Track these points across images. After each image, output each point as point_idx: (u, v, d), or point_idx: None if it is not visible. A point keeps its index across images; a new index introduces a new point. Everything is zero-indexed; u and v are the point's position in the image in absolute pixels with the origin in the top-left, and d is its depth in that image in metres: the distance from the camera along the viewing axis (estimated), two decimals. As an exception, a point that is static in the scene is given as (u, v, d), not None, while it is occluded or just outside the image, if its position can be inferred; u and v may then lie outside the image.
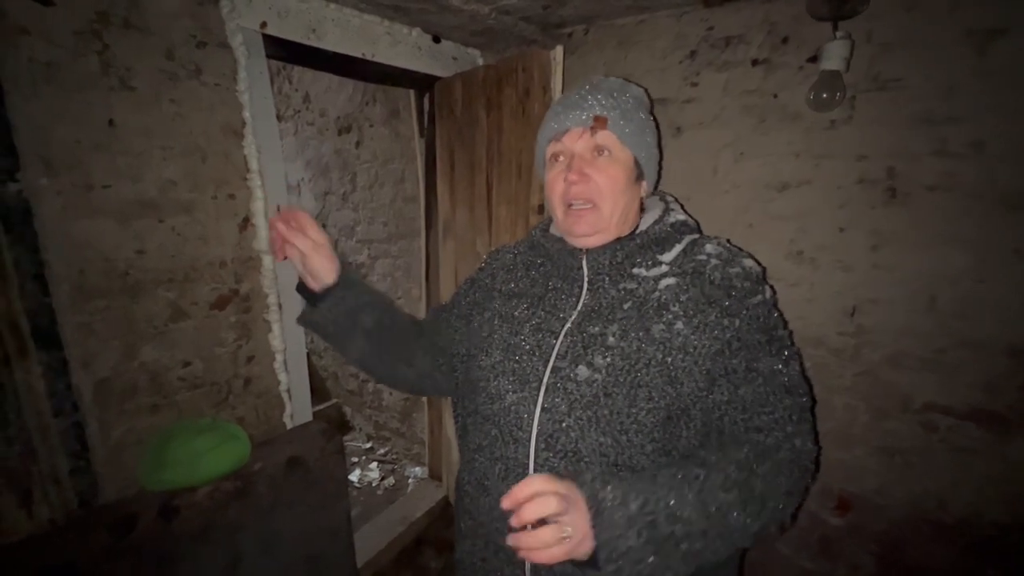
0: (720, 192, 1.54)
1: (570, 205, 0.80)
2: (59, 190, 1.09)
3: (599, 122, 0.78)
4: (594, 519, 0.58)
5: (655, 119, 0.88)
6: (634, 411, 0.70)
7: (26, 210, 1.04)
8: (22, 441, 1.07)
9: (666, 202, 0.87)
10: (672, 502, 0.61)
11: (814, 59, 1.32)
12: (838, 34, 1.21)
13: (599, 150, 0.79)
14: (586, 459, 0.71)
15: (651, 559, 0.59)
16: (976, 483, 1.25)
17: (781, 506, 0.67)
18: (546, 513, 0.55)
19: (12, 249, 1.02)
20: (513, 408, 0.76)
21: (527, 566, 0.76)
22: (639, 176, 0.83)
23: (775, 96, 1.41)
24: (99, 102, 1.13)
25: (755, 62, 1.43)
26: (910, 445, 1.33)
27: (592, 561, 0.59)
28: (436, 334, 0.97)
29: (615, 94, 0.81)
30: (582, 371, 0.73)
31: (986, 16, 1.13)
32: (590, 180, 0.78)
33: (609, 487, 0.59)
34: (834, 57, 1.21)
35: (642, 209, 0.87)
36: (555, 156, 0.82)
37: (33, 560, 1.00)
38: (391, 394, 2.98)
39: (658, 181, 0.90)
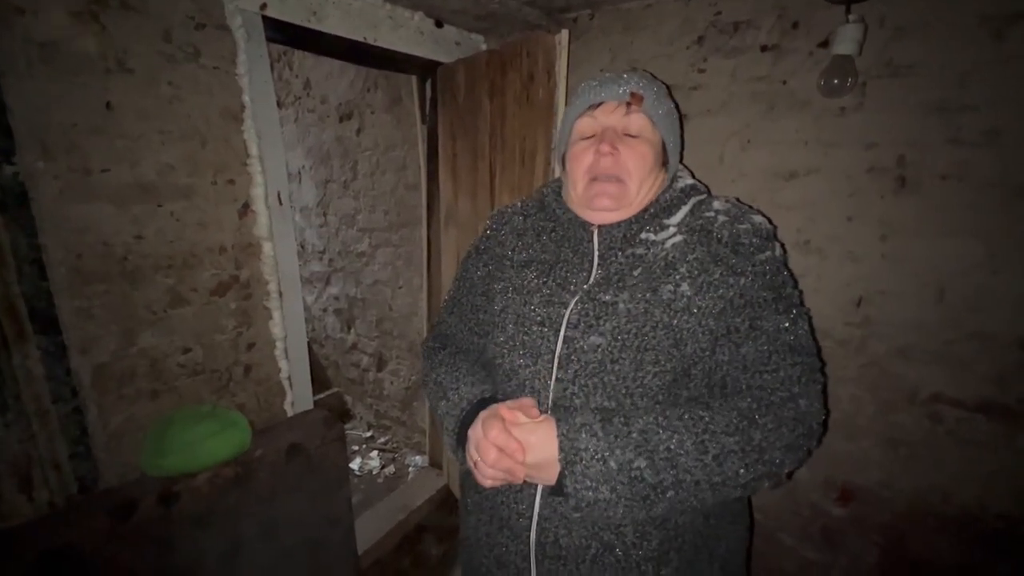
0: (727, 181, 1.52)
1: (595, 178, 0.78)
2: (56, 174, 1.08)
3: (636, 99, 0.77)
4: (564, 467, 0.64)
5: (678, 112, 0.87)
6: (640, 375, 0.69)
7: (23, 193, 1.03)
8: (21, 426, 1.07)
9: (675, 172, 0.87)
10: (672, 445, 0.63)
11: (825, 44, 1.29)
12: (851, 17, 1.18)
13: (632, 127, 0.78)
14: None
15: (621, 511, 0.64)
16: (983, 476, 1.24)
17: (778, 460, 0.65)
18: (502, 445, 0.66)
19: (9, 232, 1.01)
20: (528, 383, 0.76)
21: (532, 540, 0.75)
22: (664, 163, 0.82)
23: (784, 83, 1.38)
24: (96, 84, 1.11)
25: (764, 48, 1.40)
26: (916, 437, 1.32)
27: (561, 489, 0.66)
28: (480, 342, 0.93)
29: (648, 80, 0.81)
30: (594, 340, 0.72)
31: (1003, 1, 1.10)
32: (619, 155, 0.77)
33: (592, 441, 0.64)
34: (847, 41, 1.18)
35: None
36: (585, 130, 0.81)
37: (34, 544, 1.00)
38: (392, 383, 2.98)
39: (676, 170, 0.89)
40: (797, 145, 1.39)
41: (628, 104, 0.77)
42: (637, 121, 0.78)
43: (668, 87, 0.90)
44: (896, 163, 1.26)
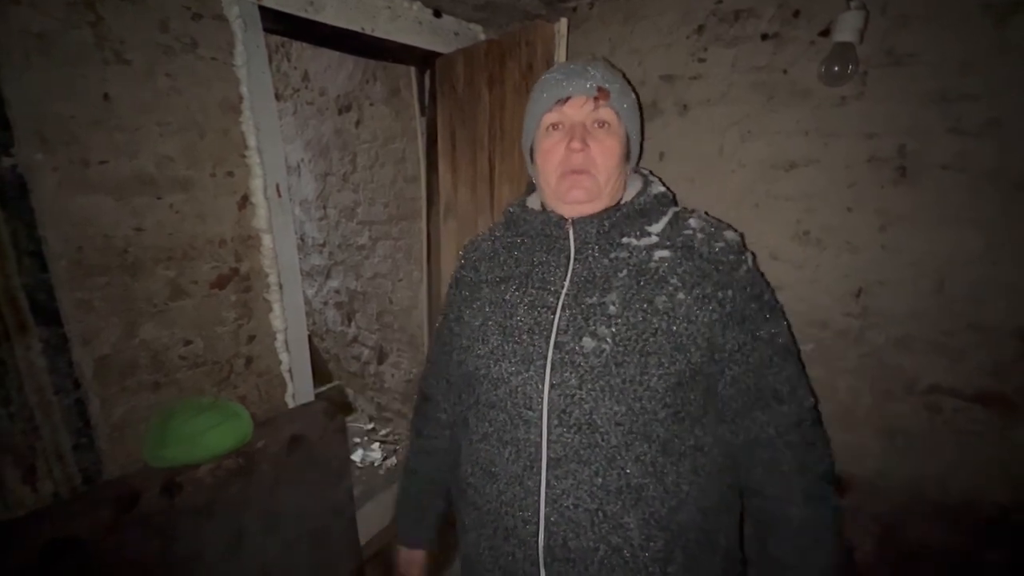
0: (726, 172, 1.52)
1: (566, 173, 0.79)
2: (55, 166, 1.07)
3: (603, 93, 0.78)
4: None
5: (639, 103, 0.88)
6: (645, 378, 0.70)
7: (22, 185, 1.03)
8: (24, 418, 1.07)
9: (643, 175, 0.88)
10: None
11: (826, 33, 1.28)
12: (852, 4, 1.17)
13: (600, 122, 0.79)
14: (601, 429, 0.71)
15: None
16: (979, 465, 1.25)
17: (832, 473, 0.79)
18: None
19: (9, 224, 1.01)
20: (520, 389, 0.76)
21: (540, 546, 0.75)
22: (628, 154, 0.83)
23: (785, 72, 1.37)
24: (93, 76, 1.11)
25: (765, 37, 1.39)
26: (913, 427, 1.32)
27: None
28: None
29: (612, 72, 0.82)
30: (587, 342, 0.73)
31: (1006, -12, 1.09)
32: (590, 151, 0.77)
33: None
34: (848, 28, 1.17)
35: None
36: (554, 125, 0.81)
37: (38, 534, 1.01)
38: (393, 376, 2.99)
39: (638, 162, 0.90)
40: (797, 135, 1.39)
41: (596, 99, 0.78)
42: (605, 116, 0.78)
43: (627, 77, 0.91)
44: (896, 153, 1.26)
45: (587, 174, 0.78)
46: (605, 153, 0.78)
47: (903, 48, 1.21)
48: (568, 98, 0.79)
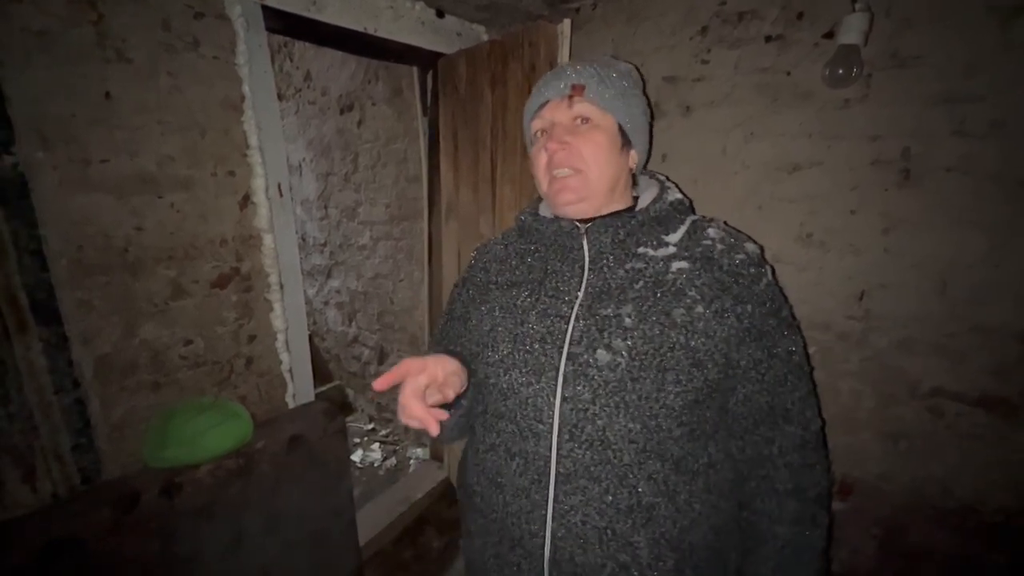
0: (730, 173, 1.51)
1: (554, 175, 0.78)
2: (55, 164, 1.07)
3: (576, 90, 0.76)
4: None
5: (646, 95, 0.86)
6: (662, 395, 0.68)
7: (23, 184, 1.02)
8: (24, 417, 1.07)
9: (660, 181, 0.85)
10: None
11: (830, 35, 1.28)
12: (857, 6, 1.16)
13: (579, 119, 0.77)
14: (614, 446, 0.69)
15: None
16: (981, 469, 1.24)
17: (827, 496, 0.78)
18: None
19: (9, 223, 1.01)
20: (531, 401, 0.73)
21: (546, 559, 0.74)
22: (626, 144, 0.80)
23: (788, 74, 1.37)
24: (95, 74, 1.10)
25: (768, 38, 1.39)
26: (916, 430, 1.32)
27: None
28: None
29: (595, 65, 0.80)
30: (601, 355, 0.70)
31: (1011, -10, 1.09)
32: (571, 147, 0.76)
33: None
34: (852, 31, 1.16)
35: (635, 184, 0.85)
36: (538, 132, 0.81)
37: (37, 534, 1.01)
38: (393, 376, 2.98)
39: (649, 153, 0.87)
40: (800, 137, 1.38)
41: (570, 97, 0.77)
42: (582, 110, 0.77)
43: (642, 75, 0.88)
44: (900, 155, 1.25)
45: (575, 173, 0.76)
46: (589, 146, 0.76)
47: (907, 50, 1.21)
48: (546, 102, 0.79)
